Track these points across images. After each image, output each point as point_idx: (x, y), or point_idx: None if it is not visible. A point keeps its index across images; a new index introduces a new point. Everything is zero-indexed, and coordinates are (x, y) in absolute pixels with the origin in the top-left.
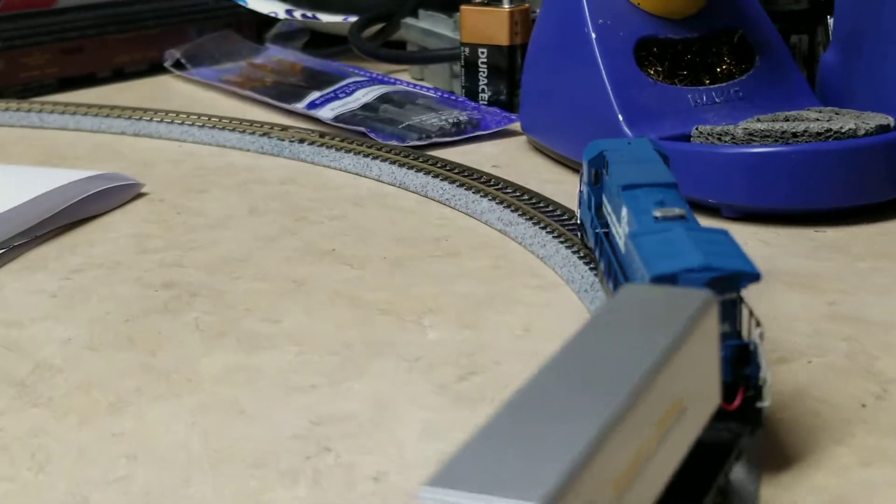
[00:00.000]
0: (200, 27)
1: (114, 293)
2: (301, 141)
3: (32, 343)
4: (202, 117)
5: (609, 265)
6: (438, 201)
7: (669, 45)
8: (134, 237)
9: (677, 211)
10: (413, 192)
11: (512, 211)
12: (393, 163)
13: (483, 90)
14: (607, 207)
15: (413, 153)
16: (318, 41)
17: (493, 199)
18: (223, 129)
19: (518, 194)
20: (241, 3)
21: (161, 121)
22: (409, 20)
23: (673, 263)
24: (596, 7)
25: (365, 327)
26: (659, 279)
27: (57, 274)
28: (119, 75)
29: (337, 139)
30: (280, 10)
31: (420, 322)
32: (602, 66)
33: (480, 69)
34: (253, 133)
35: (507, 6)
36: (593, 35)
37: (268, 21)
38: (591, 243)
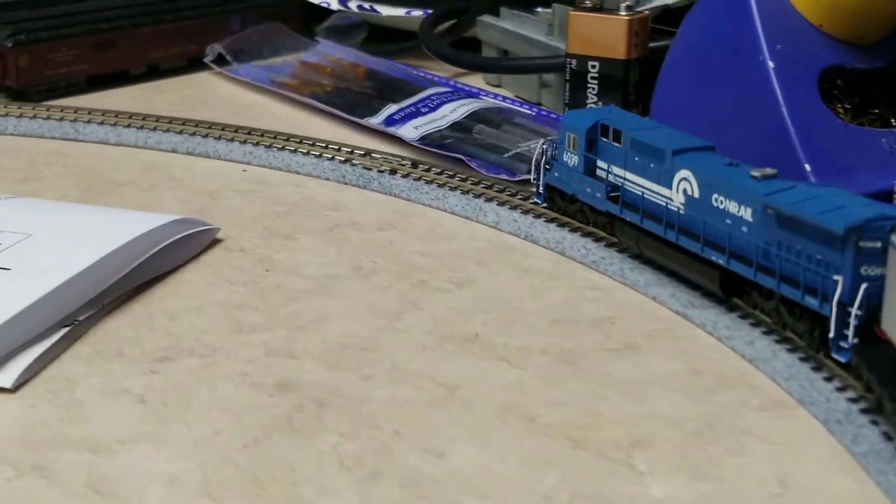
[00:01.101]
0: (244, 18)
1: (218, 398)
2: (392, 172)
3: (129, 483)
4: (267, 135)
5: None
6: (582, 263)
7: (857, 76)
8: (221, 307)
9: (769, 171)
10: (545, 247)
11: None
12: (514, 208)
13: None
14: (624, 171)
15: (528, 191)
16: (374, 35)
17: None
18: (295, 151)
19: None
20: None
21: (219, 138)
22: (487, 18)
23: (859, 213)
24: (772, 29)
25: (562, 469)
26: (852, 230)
27: (138, 363)
28: (154, 72)
29: (434, 170)
30: (332, 0)
31: (631, 463)
32: (782, 103)
33: (590, 85)
34: (332, 158)
35: (624, 13)
36: (771, 64)
37: (317, 10)
38: (595, 203)
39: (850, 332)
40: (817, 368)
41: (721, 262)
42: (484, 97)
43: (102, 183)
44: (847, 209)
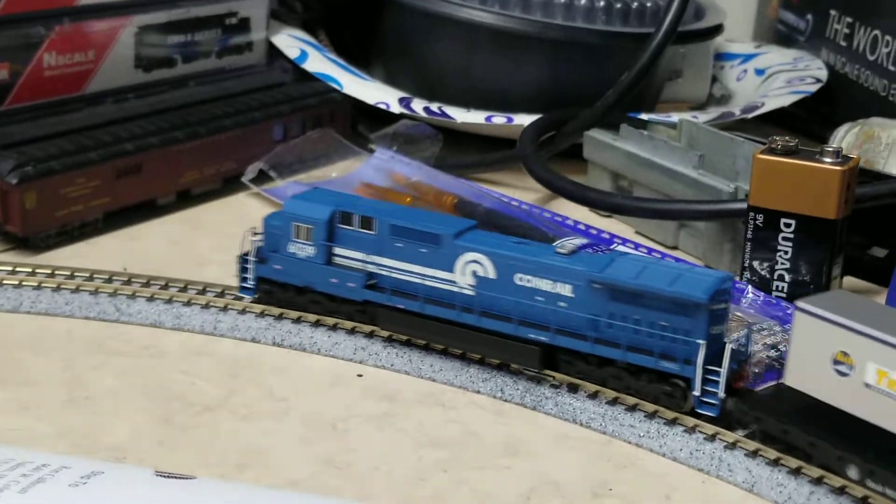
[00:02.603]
0: (287, 125)
1: None
2: (593, 396)
3: None
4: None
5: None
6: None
7: None
8: None
9: (571, 243)
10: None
11: None
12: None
13: (780, 276)
14: (381, 259)
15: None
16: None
17: None
18: (425, 350)
19: None
20: (336, 87)
21: (333, 328)
22: (599, 134)
23: (707, 281)
24: None
25: None
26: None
27: None
28: (183, 197)
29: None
30: (392, 100)
31: None
32: None
33: (782, 246)
34: (489, 370)
35: (831, 162)
36: None
37: (367, 110)
38: (347, 294)
39: (719, 388)
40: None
41: (544, 339)
42: (622, 245)
43: (179, 404)
44: (688, 278)
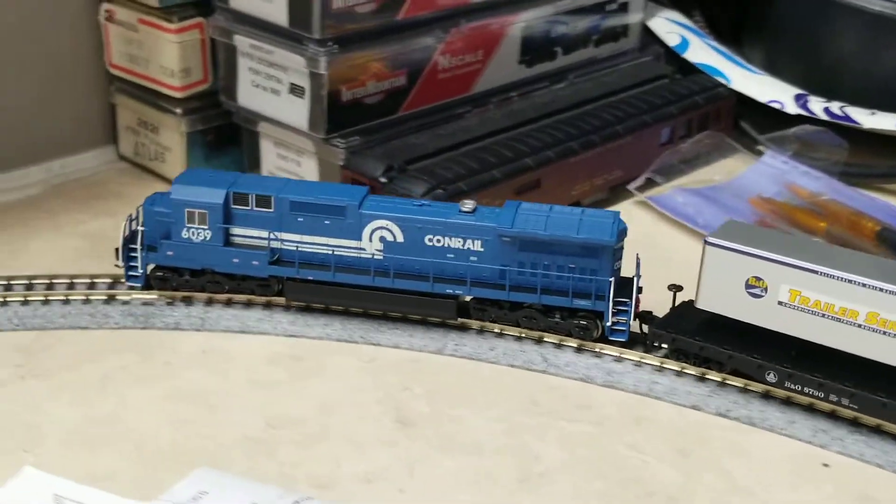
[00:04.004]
0: (674, 127)
1: None
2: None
3: None
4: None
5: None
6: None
7: None
8: None
9: (469, 203)
10: None
11: None
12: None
13: None
14: (287, 235)
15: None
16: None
17: None
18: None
19: None
20: (723, 81)
21: (786, 402)
22: None
23: (605, 225)
24: None
25: None
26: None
27: None
28: None
29: None
30: (787, 99)
31: None
32: None
33: None
34: None
35: None
36: None
37: (748, 102)
38: (250, 271)
39: (630, 317)
40: None
41: (461, 292)
42: None
43: (638, 489)
44: (588, 222)
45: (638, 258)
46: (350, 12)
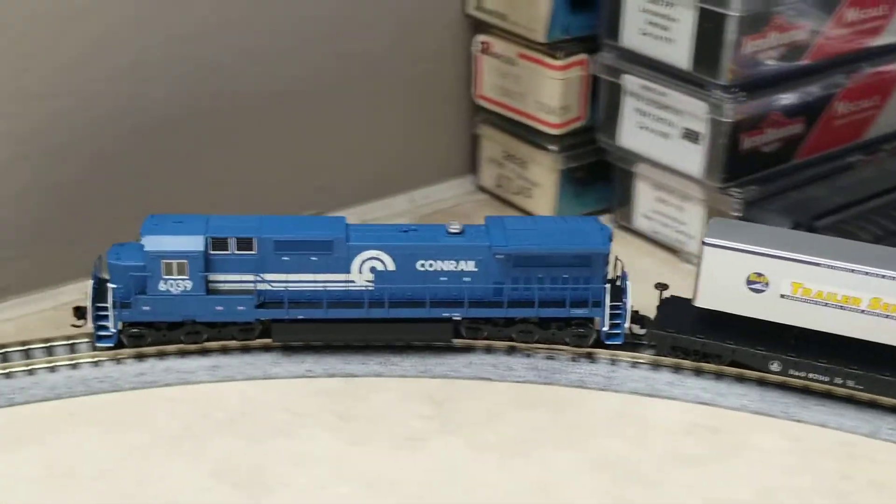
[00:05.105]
0: None
1: None
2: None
3: None
4: None
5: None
6: None
7: None
8: None
9: (455, 225)
10: None
11: None
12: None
13: None
14: (272, 276)
15: None
16: None
17: None
18: None
19: None
20: None
21: None
22: None
23: (595, 233)
24: None
25: None
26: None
27: None
28: None
29: None
30: None
31: None
32: None
33: None
34: None
35: None
36: None
37: None
38: (237, 318)
39: (626, 319)
40: None
41: (458, 314)
42: None
43: None
44: (576, 230)
45: (618, 259)
46: (756, 57)
